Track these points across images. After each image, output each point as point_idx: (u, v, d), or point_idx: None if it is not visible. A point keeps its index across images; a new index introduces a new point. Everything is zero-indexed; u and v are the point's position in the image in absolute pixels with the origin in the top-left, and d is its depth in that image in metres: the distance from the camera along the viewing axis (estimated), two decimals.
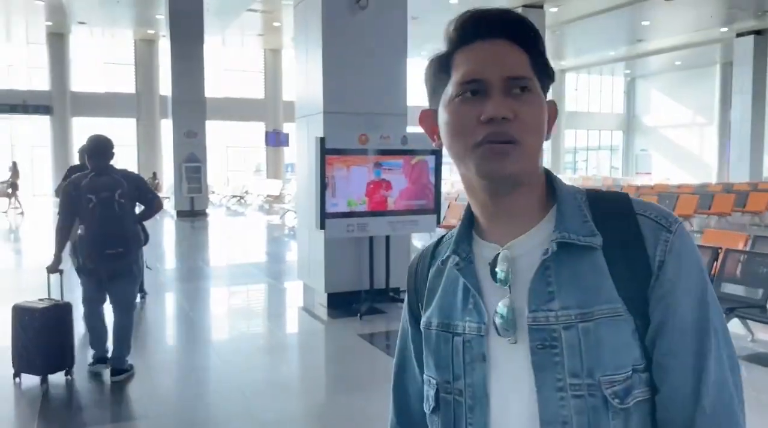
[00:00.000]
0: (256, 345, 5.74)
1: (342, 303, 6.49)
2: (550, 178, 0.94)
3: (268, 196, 23.52)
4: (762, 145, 25.12)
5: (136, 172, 4.95)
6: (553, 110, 0.92)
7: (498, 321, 0.87)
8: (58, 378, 4.44)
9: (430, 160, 6.26)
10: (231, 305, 7.66)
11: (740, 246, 6.29)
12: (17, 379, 4.43)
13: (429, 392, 0.95)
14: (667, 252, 0.86)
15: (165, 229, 15.72)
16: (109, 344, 4.67)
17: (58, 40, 25.97)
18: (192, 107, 17.36)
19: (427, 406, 0.95)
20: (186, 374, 4.93)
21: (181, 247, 12.71)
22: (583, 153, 38.30)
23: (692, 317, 0.85)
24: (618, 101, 38.41)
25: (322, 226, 6.02)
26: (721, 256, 5.55)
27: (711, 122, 32.34)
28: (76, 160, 6.97)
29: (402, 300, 6.48)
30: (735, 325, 5.42)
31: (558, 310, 0.85)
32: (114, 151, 4.58)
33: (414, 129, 7.08)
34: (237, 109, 29.17)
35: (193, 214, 17.54)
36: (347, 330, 5.91)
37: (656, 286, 0.85)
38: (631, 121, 38.32)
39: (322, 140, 5.92)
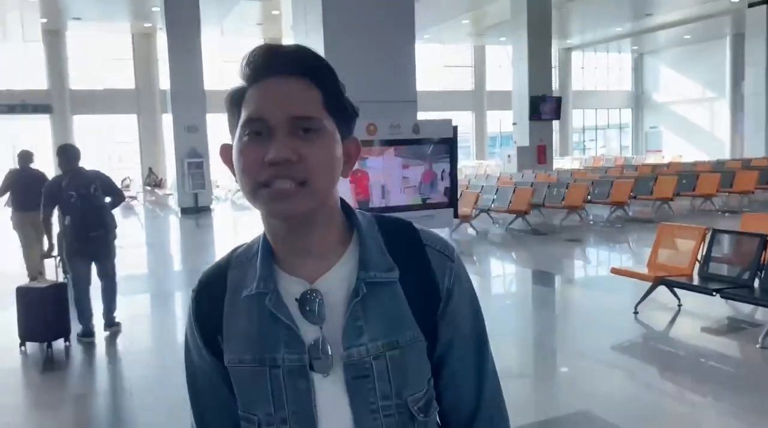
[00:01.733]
0: None
1: None
2: (346, 209, 0.97)
3: None
4: None
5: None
6: (355, 148, 0.95)
7: (316, 359, 0.89)
8: (57, 344, 5.31)
9: (443, 148, 5.78)
10: None
11: None
12: (23, 347, 5.29)
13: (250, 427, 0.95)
14: (452, 279, 0.96)
15: (169, 228, 15.36)
16: (94, 320, 5.61)
17: (54, 37, 25.53)
18: (192, 101, 16.89)
19: None
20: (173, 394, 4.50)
21: (185, 248, 12.29)
22: (591, 132, 37.63)
23: (473, 333, 0.99)
24: (626, 78, 37.65)
25: None
26: None
27: (722, 96, 31.62)
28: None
29: None
30: None
31: (368, 343, 0.90)
32: (80, 154, 5.57)
33: (424, 115, 6.64)
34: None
35: (197, 210, 17.12)
36: None
37: (446, 310, 0.95)
38: (639, 98, 37.59)
39: None
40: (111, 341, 5.65)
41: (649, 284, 5.69)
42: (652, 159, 28.83)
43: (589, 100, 35.84)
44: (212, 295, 0.98)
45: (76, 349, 5.38)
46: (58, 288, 5.34)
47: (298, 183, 0.85)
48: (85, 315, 5.56)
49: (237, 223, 16.45)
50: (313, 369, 0.90)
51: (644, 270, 5.94)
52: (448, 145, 5.84)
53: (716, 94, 32.15)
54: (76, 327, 5.49)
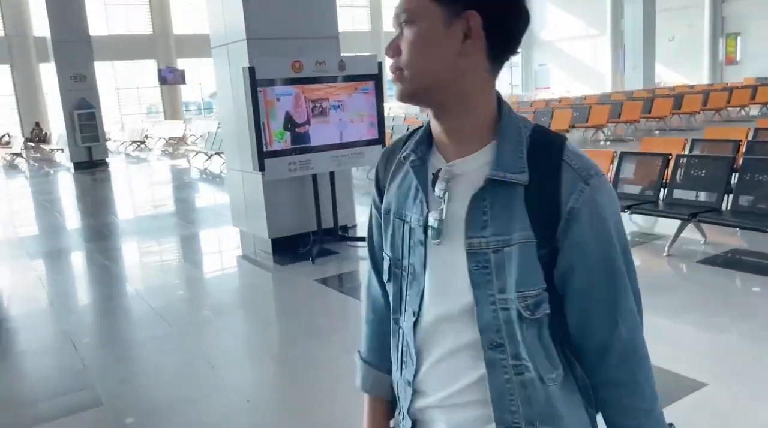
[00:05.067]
0: (203, 304, 5.27)
1: (287, 249, 6.09)
2: (501, 105, 1.02)
3: (170, 138, 22.17)
4: (653, 52, 26.03)
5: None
6: (468, 23, 0.94)
7: (429, 226, 1.02)
8: None
9: (371, 86, 5.82)
10: (162, 264, 7.01)
11: (682, 151, 6.33)
12: None
13: (385, 265, 1.14)
14: (581, 201, 0.95)
15: (64, 185, 14.47)
16: None
17: None
18: (76, 47, 15.68)
19: (385, 276, 1.14)
20: (128, 349, 4.44)
21: (88, 203, 11.68)
22: None
23: (601, 261, 0.98)
24: None
25: (261, 168, 5.50)
26: (671, 163, 5.55)
27: (603, 33, 33.15)
28: None
29: (351, 239, 6.21)
30: (691, 231, 5.49)
31: (489, 237, 0.98)
32: None
33: (348, 53, 6.60)
34: (124, 47, 26.97)
35: (92, 164, 16.19)
36: (299, 275, 5.54)
37: (567, 232, 0.96)
38: (528, 36, 38.39)
39: (252, 70, 5.32)
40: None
41: None
42: (542, 95, 30.00)
43: None
44: (389, 155, 1.17)
45: None
46: None
47: (399, 70, 0.99)
48: None
49: (137, 175, 15.75)
50: (426, 234, 1.03)
51: None
52: (373, 81, 5.88)
53: (598, 31, 33.65)
54: None
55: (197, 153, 16.43)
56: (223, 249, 7.23)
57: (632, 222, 6.44)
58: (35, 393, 3.67)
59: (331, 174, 6.02)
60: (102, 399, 3.45)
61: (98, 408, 3.35)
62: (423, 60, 0.96)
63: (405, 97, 1.00)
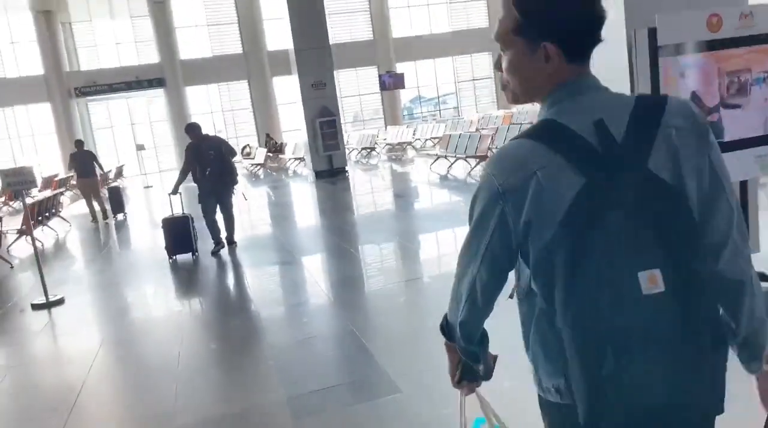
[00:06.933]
0: None
1: None
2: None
3: (398, 144, 21.57)
4: None
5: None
6: (546, 51, 1.19)
7: None
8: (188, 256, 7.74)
9: None
10: None
11: None
12: (170, 259, 7.78)
13: None
14: None
15: (311, 194, 14.10)
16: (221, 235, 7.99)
17: (160, 9, 24.87)
18: (317, 56, 15.41)
19: None
20: None
21: (368, 213, 10.92)
22: None
23: None
24: None
25: None
26: None
27: None
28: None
29: None
30: None
31: None
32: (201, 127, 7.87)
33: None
34: (347, 55, 27.11)
35: (332, 173, 15.80)
36: None
37: None
38: None
39: (652, 33, 3.66)
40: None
41: None
42: None
43: None
44: None
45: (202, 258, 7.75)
46: (186, 219, 7.72)
47: (506, 81, 1.29)
48: (216, 233, 7.86)
49: (382, 183, 14.93)
50: None
51: None
52: None
53: None
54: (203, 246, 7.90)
55: (438, 157, 15.29)
56: None
57: None
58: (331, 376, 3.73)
59: (742, 183, 4.13)
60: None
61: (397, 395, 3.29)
62: (517, 78, 1.25)
63: (512, 102, 1.32)
